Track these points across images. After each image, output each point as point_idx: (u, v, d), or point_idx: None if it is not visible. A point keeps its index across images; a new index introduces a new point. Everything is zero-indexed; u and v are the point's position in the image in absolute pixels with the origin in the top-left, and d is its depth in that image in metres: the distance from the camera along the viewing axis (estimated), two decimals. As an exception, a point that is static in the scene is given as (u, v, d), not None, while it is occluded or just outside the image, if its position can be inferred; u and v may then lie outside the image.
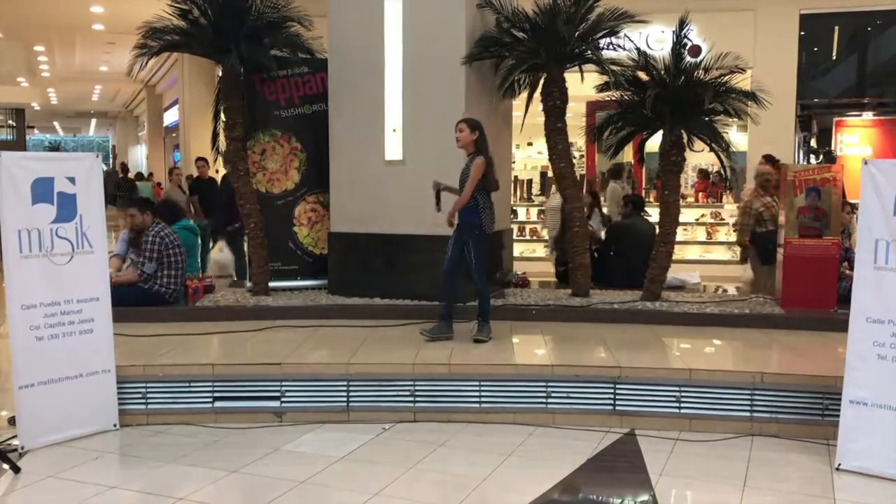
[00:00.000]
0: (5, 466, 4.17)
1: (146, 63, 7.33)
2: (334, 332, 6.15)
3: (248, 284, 7.34)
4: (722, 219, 12.17)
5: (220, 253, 9.47)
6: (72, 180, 4.68)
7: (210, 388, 5.06)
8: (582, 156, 13.23)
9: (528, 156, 14.52)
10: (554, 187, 9.56)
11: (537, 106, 7.27)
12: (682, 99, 6.72)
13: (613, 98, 7.26)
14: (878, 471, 4.14)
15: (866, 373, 4.21)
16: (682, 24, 6.87)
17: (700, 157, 11.31)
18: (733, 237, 11.88)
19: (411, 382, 5.08)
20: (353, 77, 7.14)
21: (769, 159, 9.35)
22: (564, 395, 5.02)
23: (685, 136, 6.96)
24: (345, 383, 5.07)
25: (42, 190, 4.57)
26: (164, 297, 6.72)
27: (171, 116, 23.73)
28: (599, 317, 6.60)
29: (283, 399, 5.06)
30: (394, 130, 7.04)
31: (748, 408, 4.85)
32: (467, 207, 5.71)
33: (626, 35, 7.88)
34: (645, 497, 3.99)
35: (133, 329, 6.01)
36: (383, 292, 6.98)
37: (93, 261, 4.79)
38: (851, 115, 12.32)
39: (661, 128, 6.92)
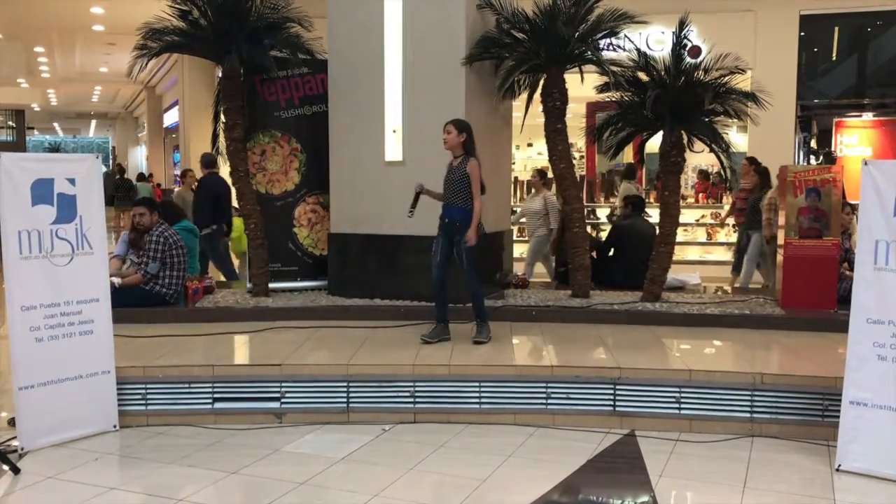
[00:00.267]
0: (5, 468, 4.17)
1: (146, 64, 7.33)
2: (334, 333, 6.15)
3: (249, 286, 7.34)
4: (724, 220, 12.17)
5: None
6: (72, 181, 4.68)
7: (210, 389, 5.06)
8: (582, 157, 13.23)
9: (528, 157, 14.51)
10: (534, 189, 9.59)
11: (537, 107, 7.28)
12: (682, 100, 6.73)
13: (613, 99, 7.26)
14: (878, 471, 4.14)
15: (866, 373, 4.21)
16: (681, 24, 6.87)
17: (700, 158, 11.31)
18: (734, 238, 11.90)
19: (411, 383, 5.08)
20: (353, 78, 7.14)
21: (752, 162, 9.35)
22: (564, 395, 5.02)
23: (685, 137, 6.96)
24: (345, 384, 5.07)
25: (42, 191, 4.57)
26: (165, 298, 6.72)
27: (171, 117, 23.74)
28: (599, 318, 6.60)
29: (283, 400, 5.06)
30: (394, 131, 7.05)
31: (748, 409, 4.85)
32: (462, 209, 5.69)
33: (625, 36, 7.88)
34: (645, 498, 3.99)
35: (133, 330, 6.01)
36: (383, 293, 6.99)
37: (93, 262, 4.79)
38: (851, 116, 12.33)
39: (661, 128, 6.92)
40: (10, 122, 30.92)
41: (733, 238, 11.98)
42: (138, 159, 36.26)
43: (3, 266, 4.46)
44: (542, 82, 7.17)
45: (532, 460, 4.44)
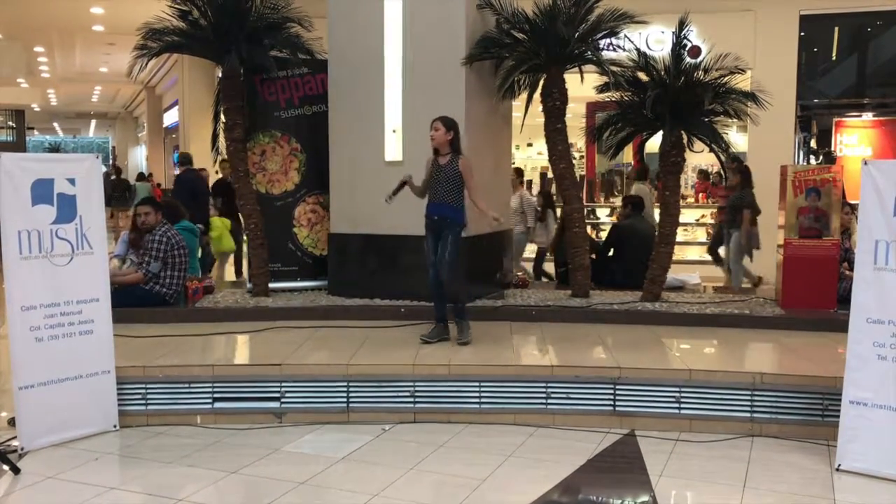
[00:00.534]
0: (5, 467, 4.17)
1: (146, 64, 7.33)
2: (334, 333, 6.15)
3: (249, 285, 7.34)
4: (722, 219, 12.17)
5: None
6: (72, 181, 4.68)
7: (210, 389, 5.06)
8: (582, 156, 13.23)
9: (528, 156, 14.53)
10: (512, 188, 9.60)
11: (537, 107, 7.28)
12: (681, 100, 6.73)
13: (613, 99, 7.26)
14: (878, 471, 4.14)
15: (866, 373, 4.21)
16: (681, 24, 6.88)
17: (700, 158, 11.31)
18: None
19: (411, 383, 5.08)
20: (353, 78, 7.14)
21: (734, 160, 9.32)
22: (564, 395, 5.02)
23: (685, 137, 6.97)
24: (345, 384, 5.07)
25: (42, 191, 4.57)
26: (165, 298, 6.72)
27: (170, 117, 23.73)
28: (599, 317, 6.60)
29: (282, 400, 5.06)
30: (393, 131, 7.05)
31: (748, 408, 4.85)
32: (455, 206, 5.66)
33: (625, 36, 7.89)
34: (645, 498, 3.99)
35: (133, 330, 6.01)
36: (383, 293, 6.99)
37: (93, 262, 4.79)
38: (851, 116, 12.33)
39: (661, 128, 6.92)
40: (10, 123, 30.92)
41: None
42: (138, 159, 36.26)
43: (3, 266, 4.46)
44: (541, 82, 7.17)
45: (532, 460, 4.44)
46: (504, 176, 8.18)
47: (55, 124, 42.15)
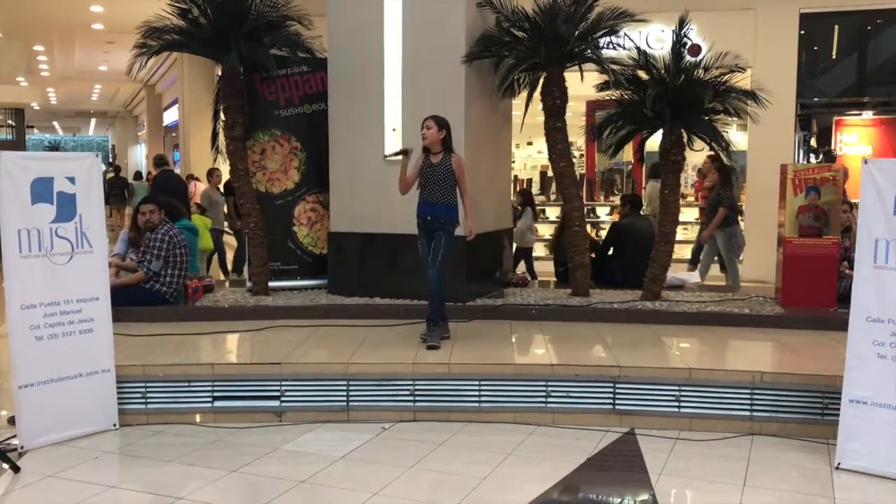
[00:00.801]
0: (5, 466, 4.17)
1: (146, 62, 7.32)
2: (334, 332, 6.14)
3: (249, 284, 7.34)
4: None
5: None
6: (71, 180, 4.68)
7: (210, 388, 5.06)
8: (582, 155, 13.22)
9: (528, 155, 14.50)
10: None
11: (537, 105, 7.28)
12: (681, 98, 6.72)
13: (613, 97, 7.26)
14: (877, 470, 4.14)
15: (866, 372, 4.21)
16: (681, 23, 6.87)
17: (700, 157, 11.29)
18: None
19: (411, 382, 5.08)
20: (353, 76, 7.14)
21: (714, 159, 9.31)
22: (564, 394, 5.02)
23: (685, 136, 6.96)
24: (344, 383, 5.07)
25: (41, 190, 4.56)
26: (165, 296, 6.72)
27: (170, 116, 23.72)
28: (599, 316, 6.60)
29: (282, 399, 5.06)
30: (393, 130, 7.04)
31: (748, 407, 4.85)
32: (449, 205, 5.63)
33: (625, 34, 7.90)
34: (645, 496, 3.99)
35: (133, 329, 6.01)
36: (383, 292, 6.99)
37: (92, 260, 4.79)
38: (851, 115, 12.32)
39: (661, 127, 6.92)
40: (10, 121, 30.88)
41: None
42: (138, 158, 36.25)
43: (2, 265, 4.46)
44: (541, 81, 7.16)
45: (532, 458, 4.44)
46: (504, 174, 8.18)
47: (55, 123, 42.16)
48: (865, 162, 4.29)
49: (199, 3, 6.96)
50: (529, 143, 14.19)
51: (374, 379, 5.09)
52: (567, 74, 7.11)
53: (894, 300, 4.17)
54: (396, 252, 7.02)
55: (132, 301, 6.45)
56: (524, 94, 7.45)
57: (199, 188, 15.99)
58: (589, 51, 6.95)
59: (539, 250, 12.37)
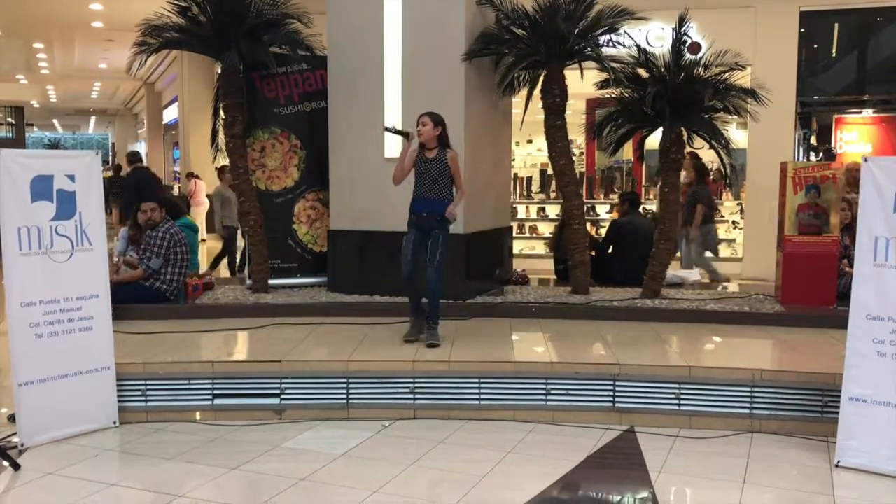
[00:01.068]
0: (5, 464, 4.18)
1: (145, 60, 7.31)
2: (334, 330, 6.15)
3: (249, 282, 7.35)
4: (721, 216, 12.18)
5: None
6: (71, 178, 4.68)
7: (210, 386, 5.06)
8: (582, 153, 13.21)
9: (528, 153, 14.48)
10: None
11: (537, 103, 7.27)
12: (681, 96, 6.72)
13: (613, 95, 7.25)
14: (877, 468, 4.15)
15: (866, 370, 4.21)
16: (681, 21, 6.86)
17: (700, 155, 11.30)
18: (733, 234, 11.92)
19: (411, 380, 5.08)
20: (353, 74, 7.13)
21: (693, 157, 9.29)
22: (564, 392, 5.02)
23: (685, 134, 6.96)
24: (344, 380, 5.08)
25: (41, 187, 4.56)
26: (165, 294, 6.72)
27: (170, 114, 23.71)
28: (599, 314, 6.60)
29: (282, 396, 5.06)
30: (393, 125, 7.02)
31: (748, 405, 4.86)
32: (445, 201, 5.59)
33: (625, 32, 7.88)
34: (644, 494, 3.99)
35: (133, 326, 6.02)
36: (383, 290, 6.98)
37: (92, 258, 4.79)
38: (851, 113, 12.31)
39: (661, 125, 6.92)
40: (10, 119, 30.88)
41: (733, 235, 12.02)
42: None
43: (2, 262, 4.46)
44: (541, 79, 7.16)
45: (532, 456, 4.45)
46: (504, 173, 8.18)
47: (55, 121, 42.13)
48: (865, 160, 4.29)
49: (198, 1, 6.95)
50: (529, 141, 14.18)
51: (374, 377, 5.09)
52: (567, 72, 7.11)
53: (894, 298, 4.17)
54: (396, 250, 6.97)
55: (132, 299, 6.45)
56: (524, 92, 7.44)
57: (199, 186, 16.00)
58: (589, 49, 6.95)
59: (539, 248, 12.40)
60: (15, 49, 20.10)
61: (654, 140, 7.49)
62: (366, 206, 7.13)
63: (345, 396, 5.07)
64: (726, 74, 6.79)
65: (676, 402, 4.92)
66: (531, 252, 12.21)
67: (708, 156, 10.80)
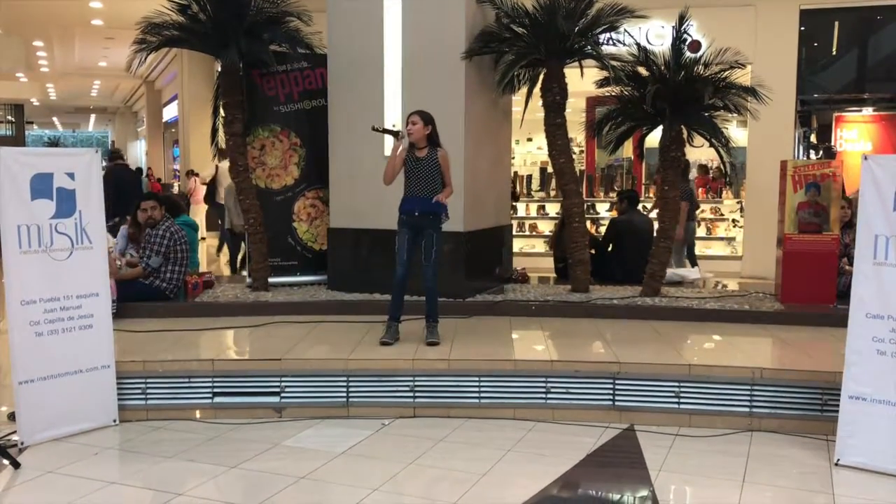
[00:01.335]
0: (5, 462, 4.18)
1: (145, 58, 7.31)
2: (334, 328, 6.15)
3: (248, 280, 7.35)
4: (721, 214, 12.18)
5: None
6: (71, 176, 4.68)
7: (210, 384, 5.06)
8: (582, 151, 13.21)
9: (528, 151, 14.49)
10: None
11: (537, 101, 7.27)
12: (681, 94, 6.72)
13: (613, 93, 7.24)
14: (877, 466, 4.15)
15: (865, 368, 4.22)
16: (681, 19, 6.87)
17: (700, 153, 11.29)
18: (733, 233, 11.92)
19: (411, 378, 5.08)
20: (353, 72, 7.13)
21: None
22: (564, 390, 5.02)
23: (685, 132, 6.96)
24: (344, 379, 5.08)
25: (41, 185, 4.56)
26: (165, 292, 6.72)
27: (170, 112, 23.69)
28: (599, 312, 6.60)
29: (282, 394, 5.06)
30: (393, 126, 7.02)
31: (747, 403, 4.86)
32: (437, 202, 5.57)
33: (625, 30, 7.87)
34: (644, 492, 3.99)
35: (133, 325, 6.02)
36: (383, 288, 6.96)
37: (92, 256, 4.79)
38: (851, 111, 12.30)
39: (661, 123, 6.91)
40: (10, 117, 30.83)
41: (733, 233, 12.02)
42: (138, 154, 36.21)
43: (2, 260, 4.46)
44: (541, 77, 7.15)
45: (532, 454, 4.45)
46: (504, 171, 8.17)
47: (54, 119, 42.07)
48: (865, 158, 4.29)
49: (198, -1, 6.95)
50: (529, 140, 14.18)
51: (374, 375, 5.09)
52: (567, 70, 7.10)
53: (894, 297, 4.17)
54: (396, 248, 7.00)
55: (132, 297, 6.45)
56: (524, 90, 7.44)
57: (199, 184, 15.98)
58: (589, 47, 6.95)
59: (539, 247, 12.39)
60: (15, 47, 20.08)
61: (653, 138, 7.49)
62: (366, 204, 7.12)
63: (345, 394, 5.07)
64: (726, 73, 6.79)
65: (676, 400, 4.93)
66: (531, 250, 12.21)
67: (707, 154, 10.83)
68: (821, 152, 11.96)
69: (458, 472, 4.17)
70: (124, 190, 9.45)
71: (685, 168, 8.90)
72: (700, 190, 12.58)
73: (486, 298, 6.95)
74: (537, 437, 4.71)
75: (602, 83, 7.16)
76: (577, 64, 7.15)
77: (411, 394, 5.07)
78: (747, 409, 4.85)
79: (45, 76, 25.64)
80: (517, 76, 7.21)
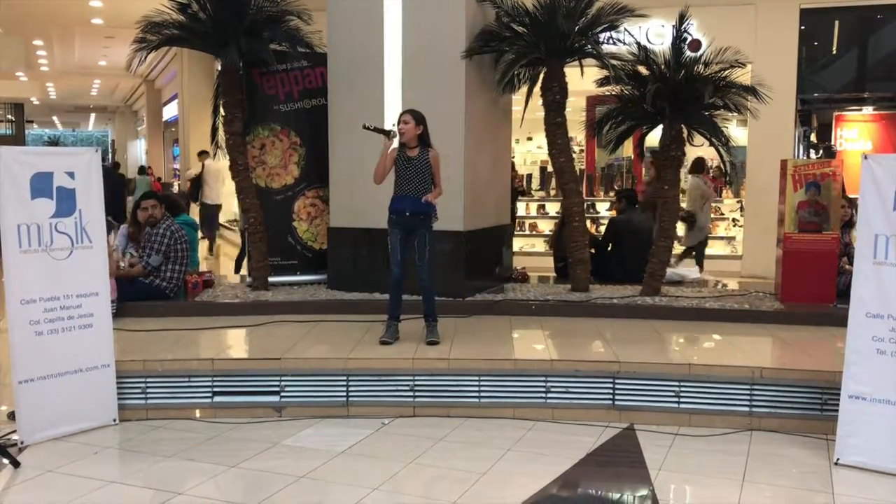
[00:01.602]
0: (5, 461, 4.18)
1: (145, 57, 7.31)
2: (334, 327, 6.15)
3: (248, 279, 7.35)
4: (721, 214, 12.18)
5: None
6: (71, 175, 4.67)
7: (210, 383, 5.06)
8: (582, 150, 13.22)
9: (528, 150, 14.49)
10: None
11: (537, 100, 7.26)
12: (682, 93, 6.71)
13: (613, 93, 7.24)
14: (876, 465, 4.15)
15: (865, 367, 4.22)
16: (682, 18, 6.86)
17: (700, 152, 11.30)
18: (733, 232, 11.92)
19: (411, 377, 5.08)
20: (353, 71, 7.13)
21: (653, 152, 9.22)
22: (564, 389, 5.02)
23: (685, 131, 6.95)
24: (344, 378, 5.08)
25: (41, 185, 4.56)
26: (165, 291, 6.72)
27: (170, 111, 23.69)
28: (599, 312, 6.60)
29: (282, 394, 5.06)
30: (393, 125, 7.02)
31: (747, 403, 4.86)
32: (429, 202, 5.56)
33: (625, 29, 7.86)
34: (644, 492, 3.99)
35: (133, 324, 6.02)
36: (383, 287, 6.94)
37: (92, 255, 4.78)
38: (851, 110, 12.30)
39: (661, 122, 6.91)
40: (10, 116, 30.85)
41: (733, 233, 12.02)
42: (138, 153, 36.22)
43: (2, 260, 4.46)
44: (541, 76, 7.15)
45: (531, 454, 4.45)
46: (504, 170, 8.16)
47: (54, 118, 42.08)
48: (865, 157, 4.29)
49: (198, -2, 6.95)
50: (529, 139, 14.18)
51: (373, 374, 5.09)
52: (567, 69, 7.10)
53: (894, 296, 4.17)
54: (396, 247, 6.99)
55: (132, 296, 6.45)
56: (524, 89, 7.43)
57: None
58: (589, 46, 6.94)
59: (539, 246, 12.40)
60: (15, 46, 20.08)
61: (653, 137, 7.49)
62: (366, 203, 7.10)
63: (344, 394, 5.07)
64: (726, 72, 6.78)
65: (676, 399, 4.93)
66: (531, 250, 12.21)
67: (707, 153, 10.83)
68: (821, 151, 11.96)
69: (457, 471, 4.17)
70: (112, 190, 9.42)
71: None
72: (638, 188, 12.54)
73: (485, 298, 6.95)
74: (537, 437, 4.71)
75: (602, 82, 7.15)
76: (577, 63, 7.14)
77: (411, 393, 5.07)
78: (747, 409, 4.85)
79: (45, 75, 25.64)
80: (517, 75, 7.20)
